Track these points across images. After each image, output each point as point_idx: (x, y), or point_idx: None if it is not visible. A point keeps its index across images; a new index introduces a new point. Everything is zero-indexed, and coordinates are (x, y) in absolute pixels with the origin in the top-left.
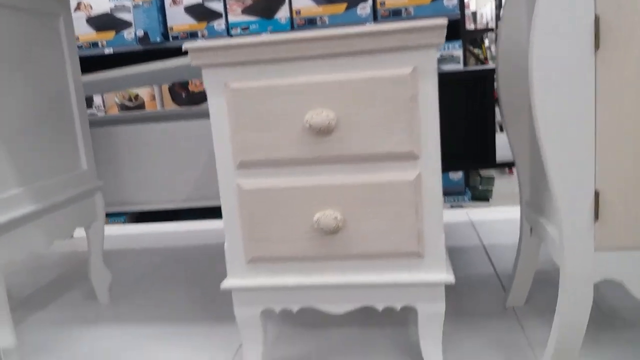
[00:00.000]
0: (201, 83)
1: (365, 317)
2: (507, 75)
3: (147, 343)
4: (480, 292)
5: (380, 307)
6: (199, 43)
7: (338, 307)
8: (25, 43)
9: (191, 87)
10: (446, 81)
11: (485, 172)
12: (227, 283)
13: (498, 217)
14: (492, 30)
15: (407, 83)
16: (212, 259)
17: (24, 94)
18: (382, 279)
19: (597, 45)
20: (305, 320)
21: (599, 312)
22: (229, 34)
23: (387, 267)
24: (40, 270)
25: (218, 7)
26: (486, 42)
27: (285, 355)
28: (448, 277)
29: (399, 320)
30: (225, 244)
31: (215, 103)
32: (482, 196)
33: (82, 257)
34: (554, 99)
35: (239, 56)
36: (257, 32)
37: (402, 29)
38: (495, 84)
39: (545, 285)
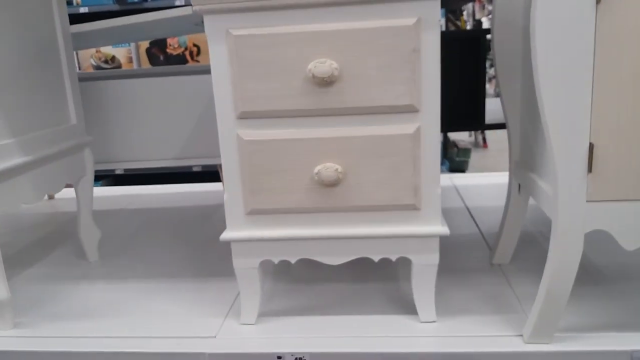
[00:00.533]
0: (179, 45)
1: (358, 272)
2: (503, 34)
3: (141, 297)
4: (466, 250)
5: (376, 258)
6: None
7: (335, 258)
8: None
9: (169, 50)
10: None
11: (462, 144)
12: (227, 235)
13: (480, 182)
14: (475, 0)
15: (411, 34)
16: (199, 220)
17: (14, 44)
18: (379, 231)
19: None
20: (299, 276)
21: (582, 270)
22: None
23: (384, 219)
24: (23, 231)
25: None
26: (464, 15)
27: (281, 308)
28: (443, 229)
29: (391, 276)
30: (225, 195)
31: (216, 51)
32: (458, 167)
33: (65, 218)
34: (555, 51)
35: (242, 1)
36: None
37: None
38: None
39: (530, 246)
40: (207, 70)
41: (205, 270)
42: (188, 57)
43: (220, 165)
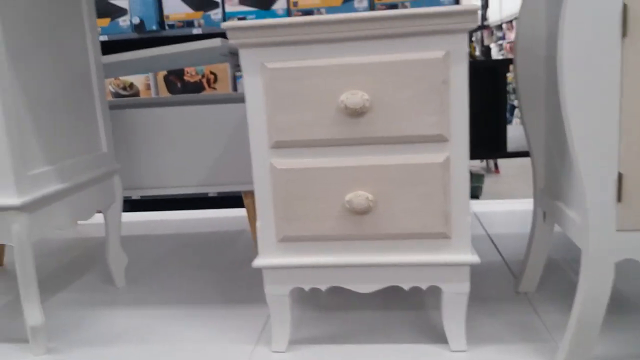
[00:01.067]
0: (197, 73)
1: (386, 300)
2: (525, 64)
3: (170, 324)
4: (491, 278)
5: (406, 287)
6: (237, 22)
7: (366, 286)
8: (50, 24)
9: (186, 77)
10: None
11: (474, 169)
12: (259, 261)
13: (498, 209)
14: (483, 28)
15: (440, 67)
16: (223, 246)
17: (51, 74)
18: (410, 259)
19: (624, 33)
20: (327, 304)
21: (612, 299)
22: None
23: (415, 248)
24: (49, 256)
25: None
26: (473, 41)
27: (310, 336)
28: (473, 257)
29: (419, 304)
30: (258, 222)
31: (251, 83)
32: (472, 193)
33: (89, 243)
34: (582, 85)
35: (277, 36)
36: None
37: (436, 13)
38: (512, 74)
39: (555, 273)
40: (227, 99)
41: (231, 297)
42: (205, 85)
43: (244, 192)
